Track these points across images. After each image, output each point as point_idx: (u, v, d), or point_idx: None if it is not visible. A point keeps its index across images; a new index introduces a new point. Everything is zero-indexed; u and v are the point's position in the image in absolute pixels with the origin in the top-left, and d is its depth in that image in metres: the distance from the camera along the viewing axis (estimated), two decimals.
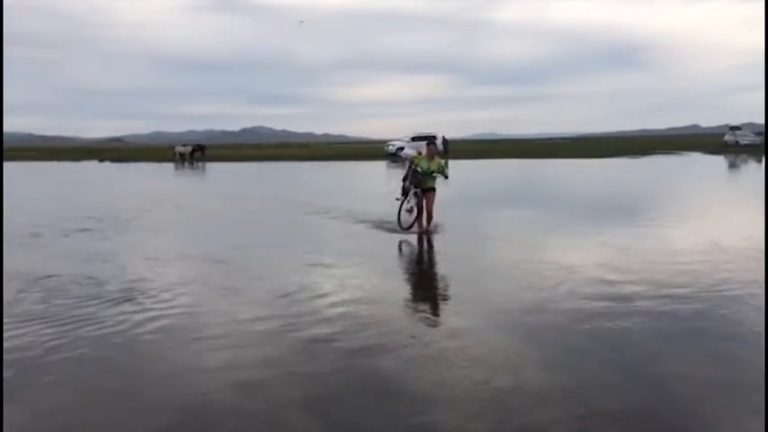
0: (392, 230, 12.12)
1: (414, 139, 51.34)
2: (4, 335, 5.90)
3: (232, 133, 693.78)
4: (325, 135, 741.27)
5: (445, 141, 49.47)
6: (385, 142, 58.53)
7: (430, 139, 13.25)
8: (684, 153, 52.47)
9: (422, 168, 12.00)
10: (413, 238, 11.57)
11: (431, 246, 11.10)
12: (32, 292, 7.56)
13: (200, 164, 49.38)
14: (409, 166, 12.42)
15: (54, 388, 4.85)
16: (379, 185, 23.84)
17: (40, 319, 6.49)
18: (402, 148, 51.09)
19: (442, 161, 12.41)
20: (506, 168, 37.87)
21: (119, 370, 5.20)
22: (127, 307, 6.92)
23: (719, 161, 40.87)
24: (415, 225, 11.99)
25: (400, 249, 10.88)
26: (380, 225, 12.83)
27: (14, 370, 5.10)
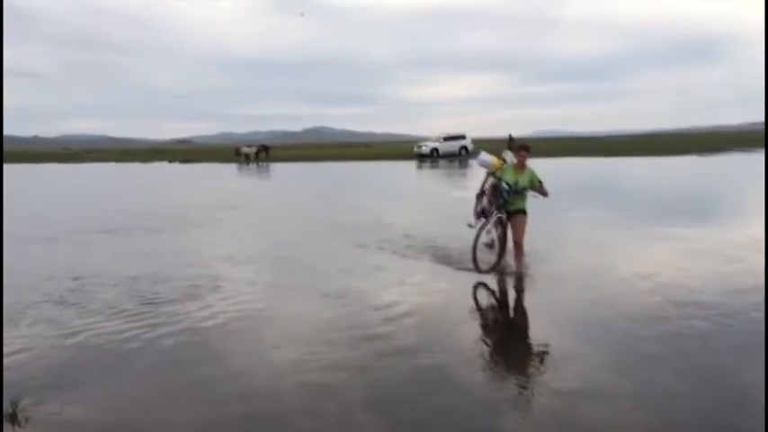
0: (462, 269, 8.61)
1: (445, 139, 51.02)
2: None
3: (294, 133, 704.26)
4: (387, 134, 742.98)
5: (512, 140, 47.87)
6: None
7: (523, 145, 8.79)
8: (760, 150, 49.82)
9: (508, 183, 8.34)
10: (493, 283, 8.02)
11: (520, 299, 7.59)
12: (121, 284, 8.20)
13: (264, 164, 51.07)
14: (485, 179, 8.99)
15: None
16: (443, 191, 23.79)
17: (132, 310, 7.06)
18: (437, 150, 50.16)
19: (536, 172, 8.47)
20: (575, 167, 37.19)
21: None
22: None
23: None
24: (499, 265, 8.37)
25: (482, 317, 6.93)
26: (445, 260, 9.28)
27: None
